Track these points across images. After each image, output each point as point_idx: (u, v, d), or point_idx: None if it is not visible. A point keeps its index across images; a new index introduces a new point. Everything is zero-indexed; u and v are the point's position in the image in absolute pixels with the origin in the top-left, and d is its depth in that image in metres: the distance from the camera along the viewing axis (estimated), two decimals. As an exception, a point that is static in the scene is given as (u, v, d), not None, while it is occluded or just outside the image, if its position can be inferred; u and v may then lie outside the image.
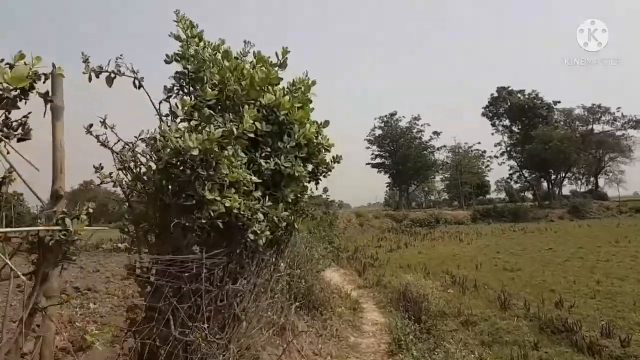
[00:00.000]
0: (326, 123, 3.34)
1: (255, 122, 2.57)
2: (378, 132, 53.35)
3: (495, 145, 52.43)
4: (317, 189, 3.75)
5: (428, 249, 18.88)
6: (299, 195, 3.21)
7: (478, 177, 53.44)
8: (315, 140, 3.17)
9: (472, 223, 34.55)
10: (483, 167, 54.65)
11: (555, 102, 48.42)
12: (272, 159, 2.78)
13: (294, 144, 2.92)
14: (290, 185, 3.00)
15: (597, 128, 46.01)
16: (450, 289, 10.18)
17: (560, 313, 7.24)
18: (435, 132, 51.51)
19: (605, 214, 34.56)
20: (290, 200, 2.97)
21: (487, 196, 60.53)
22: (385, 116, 53.00)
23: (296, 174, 2.91)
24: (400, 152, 50.60)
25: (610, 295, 8.32)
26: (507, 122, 50.46)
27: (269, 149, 2.90)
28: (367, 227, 33.30)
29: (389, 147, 53.11)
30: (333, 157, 3.54)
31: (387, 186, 59.67)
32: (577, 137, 43.11)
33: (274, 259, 3.48)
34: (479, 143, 53.59)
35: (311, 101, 3.21)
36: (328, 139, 3.36)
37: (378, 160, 54.16)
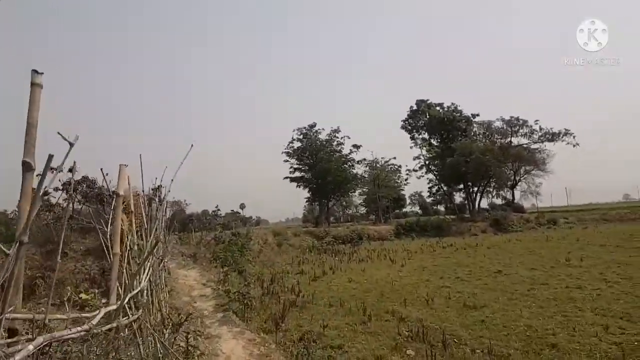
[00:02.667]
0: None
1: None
2: (297, 144, 50.19)
3: (414, 159, 53.05)
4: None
5: (358, 274, 15.74)
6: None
7: (395, 191, 53.46)
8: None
9: (395, 238, 32.84)
10: (399, 182, 55.00)
11: (474, 115, 49.54)
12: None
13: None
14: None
15: (515, 141, 46.84)
16: (410, 349, 6.90)
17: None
18: (355, 145, 50.19)
19: (526, 227, 35.16)
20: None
21: (403, 210, 61.68)
22: (305, 128, 50.01)
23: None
24: (320, 165, 47.91)
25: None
26: (426, 135, 50.95)
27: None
28: (285, 246, 29.47)
29: (308, 160, 50.13)
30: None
31: (306, 201, 56.67)
32: (497, 150, 43.30)
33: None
34: (395, 158, 53.74)
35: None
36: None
37: (297, 173, 50.84)
